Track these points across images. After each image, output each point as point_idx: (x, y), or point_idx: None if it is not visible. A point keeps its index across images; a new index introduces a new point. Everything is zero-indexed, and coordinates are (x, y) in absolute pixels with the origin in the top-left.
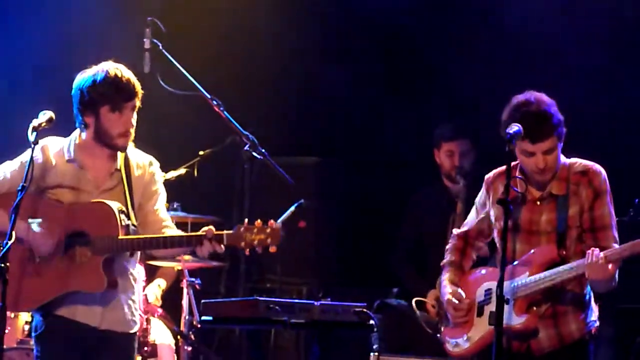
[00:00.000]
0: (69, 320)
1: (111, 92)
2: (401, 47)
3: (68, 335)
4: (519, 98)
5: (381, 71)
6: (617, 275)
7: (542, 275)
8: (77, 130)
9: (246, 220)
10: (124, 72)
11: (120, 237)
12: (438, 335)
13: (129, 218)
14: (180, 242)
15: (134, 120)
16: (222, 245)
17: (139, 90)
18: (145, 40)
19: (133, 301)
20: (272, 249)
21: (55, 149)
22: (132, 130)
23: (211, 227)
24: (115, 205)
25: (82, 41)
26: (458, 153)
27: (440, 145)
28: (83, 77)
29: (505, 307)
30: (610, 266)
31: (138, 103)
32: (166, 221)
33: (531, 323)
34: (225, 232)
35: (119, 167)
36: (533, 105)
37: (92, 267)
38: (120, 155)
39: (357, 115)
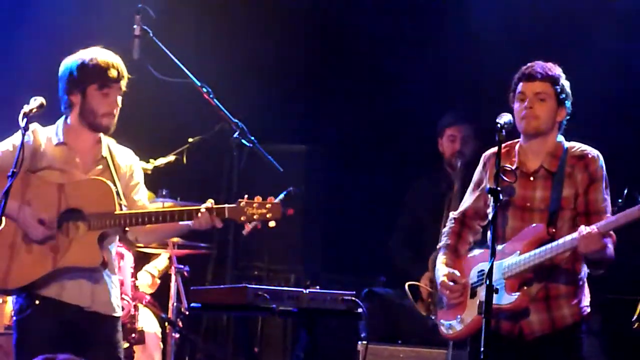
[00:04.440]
0: (57, 301)
1: (99, 71)
2: (390, 36)
3: (53, 318)
4: None
5: (370, 61)
6: (612, 247)
7: (531, 253)
8: (63, 117)
9: (246, 195)
10: (111, 55)
11: (117, 212)
12: (431, 317)
13: (121, 199)
14: (180, 216)
15: (119, 102)
16: (221, 220)
17: (126, 74)
18: (135, 27)
19: (115, 285)
20: (272, 224)
21: (45, 133)
22: (116, 113)
23: (211, 200)
24: (111, 184)
25: (72, 27)
26: (460, 138)
27: (443, 133)
28: (72, 59)
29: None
30: (603, 238)
31: (124, 87)
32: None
33: (522, 302)
34: (226, 205)
35: (104, 155)
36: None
37: (87, 242)
38: (105, 145)
39: (346, 103)
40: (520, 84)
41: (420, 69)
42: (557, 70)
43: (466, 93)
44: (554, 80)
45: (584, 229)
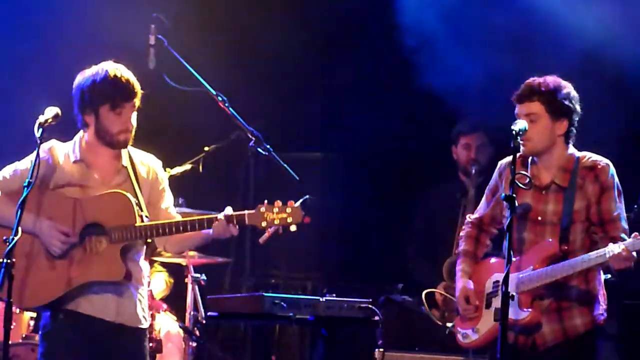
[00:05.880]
0: (81, 314)
1: (110, 91)
2: (405, 45)
3: (79, 331)
4: None
5: (385, 67)
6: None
7: (543, 270)
8: (81, 132)
9: (265, 201)
10: (123, 72)
11: (138, 224)
12: (447, 324)
13: (142, 210)
14: (200, 225)
15: (134, 120)
16: (237, 227)
17: (139, 90)
18: (150, 36)
19: (143, 297)
20: (293, 228)
21: (62, 150)
22: (132, 129)
23: (229, 207)
24: (130, 195)
25: (87, 38)
26: (474, 146)
27: (457, 140)
28: (83, 77)
29: (511, 301)
30: (634, 254)
31: (138, 103)
32: (177, 218)
33: (535, 317)
34: (246, 212)
35: (125, 165)
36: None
37: (110, 256)
38: (124, 154)
39: (362, 111)
40: (516, 105)
41: (436, 76)
42: (550, 84)
43: (483, 101)
44: (543, 98)
45: (614, 249)
